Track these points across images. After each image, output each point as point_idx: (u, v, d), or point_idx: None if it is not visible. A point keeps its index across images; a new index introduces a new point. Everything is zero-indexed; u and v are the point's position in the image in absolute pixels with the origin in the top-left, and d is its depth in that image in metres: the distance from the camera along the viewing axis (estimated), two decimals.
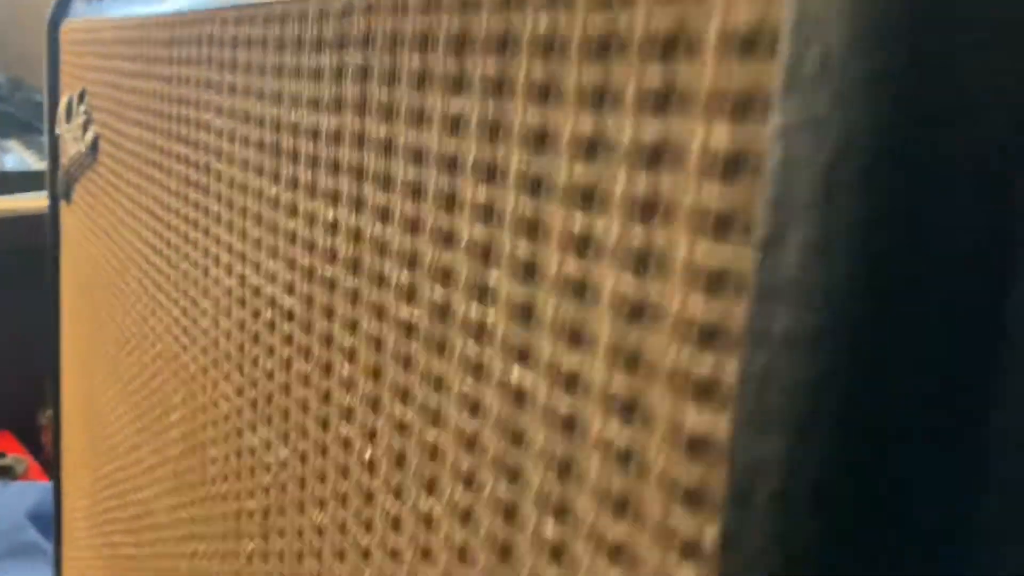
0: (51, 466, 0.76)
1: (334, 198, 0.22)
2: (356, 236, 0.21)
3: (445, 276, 0.17)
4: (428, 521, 0.18)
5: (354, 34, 0.20)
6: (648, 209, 0.12)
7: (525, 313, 0.15)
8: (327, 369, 0.22)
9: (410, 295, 0.18)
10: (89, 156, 0.54)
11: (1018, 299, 0.09)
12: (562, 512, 0.14)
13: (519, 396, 0.15)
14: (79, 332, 0.58)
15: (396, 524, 0.19)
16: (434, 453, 0.18)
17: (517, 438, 0.15)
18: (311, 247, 0.23)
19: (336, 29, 0.21)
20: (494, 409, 0.16)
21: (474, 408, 0.16)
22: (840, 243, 0.09)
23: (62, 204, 0.64)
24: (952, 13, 0.09)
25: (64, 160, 0.62)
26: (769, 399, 0.10)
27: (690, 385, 0.11)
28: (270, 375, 0.26)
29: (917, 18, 0.09)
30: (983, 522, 0.09)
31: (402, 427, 0.19)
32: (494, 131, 0.16)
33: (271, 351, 0.26)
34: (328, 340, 0.22)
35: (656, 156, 0.12)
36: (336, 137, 0.21)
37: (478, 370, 0.16)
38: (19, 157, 1.37)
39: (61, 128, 0.63)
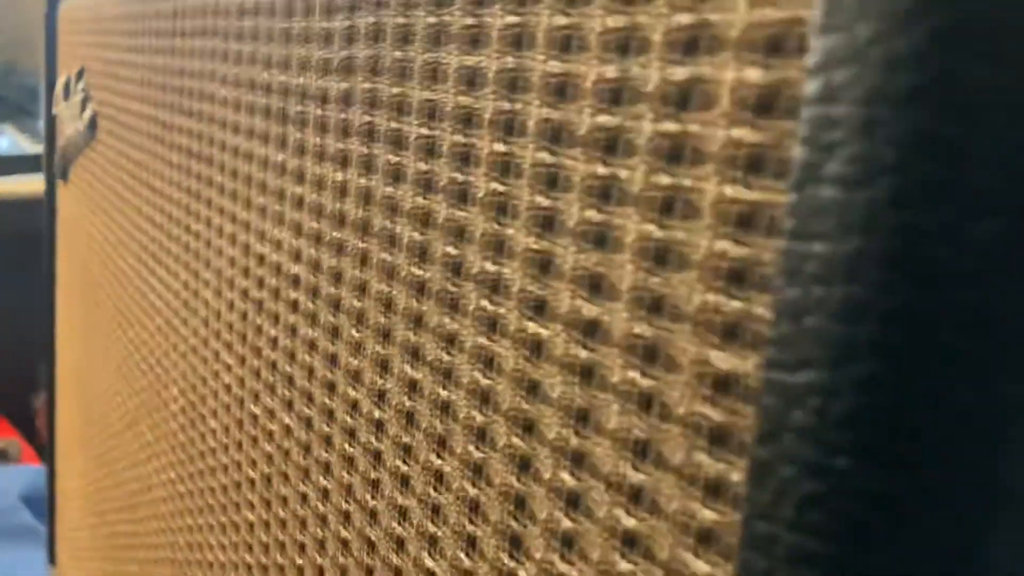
0: (44, 448, 0.76)
1: (343, 161, 0.22)
2: (366, 198, 0.20)
3: (459, 233, 0.17)
4: (439, 478, 0.18)
5: None
6: (675, 152, 0.12)
7: (543, 265, 0.15)
8: (335, 333, 0.22)
9: (422, 254, 0.18)
10: (87, 134, 0.54)
11: None
12: (579, 461, 0.14)
13: (535, 348, 0.15)
14: (75, 312, 0.58)
15: (405, 482, 0.19)
16: (446, 410, 0.17)
17: (532, 390, 0.15)
18: (319, 211, 0.23)
19: None
20: (509, 362, 0.16)
21: (488, 362, 0.16)
22: (878, 176, 0.09)
23: (59, 184, 0.63)
24: None
25: (61, 140, 0.61)
26: (803, 333, 0.10)
27: (718, 326, 0.11)
28: (274, 343, 0.26)
29: None
30: (1020, 443, 0.09)
31: (413, 386, 0.19)
32: (512, 84, 0.16)
33: (276, 319, 0.26)
34: (336, 304, 0.22)
35: (684, 99, 0.12)
36: (346, 99, 0.21)
37: (492, 325, 0.16)
38: (13, 140, 1.37)
39: (58, 107, 0.62)
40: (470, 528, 0.17)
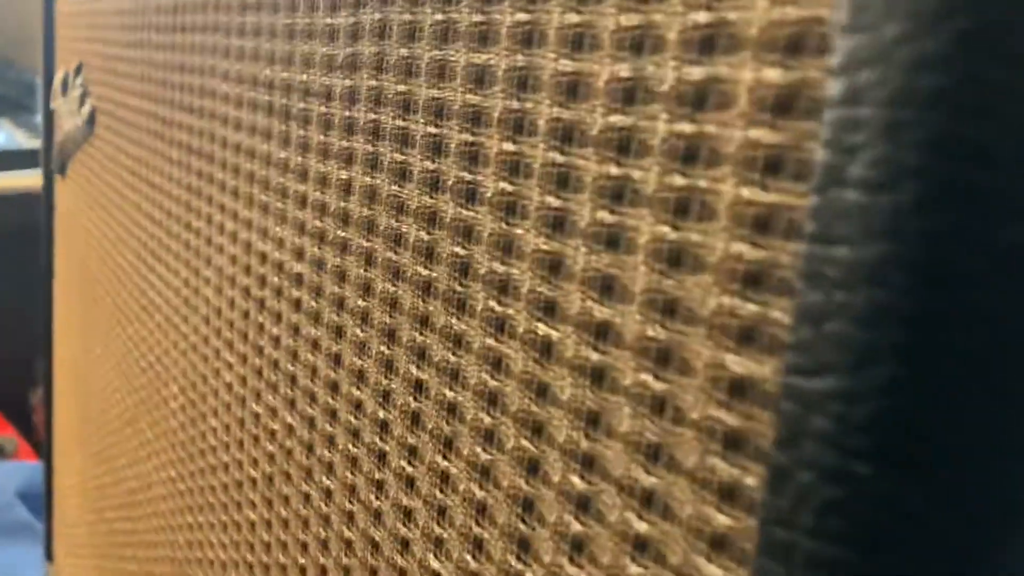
0: (41, 445, 0.75)
1: (348, 159, 0.21)
2: (371, 196, 0.20)
3: (467, 232, 0.17)
4: (445, 479, 0.18)
5: None
6: (690, 153, 0.12)
7: (553, 266, 0.15)
8: (338, 332, 0.22)
9: (429, 253, 0.18)
10: (86, 129, 0.54)
11: None
12: (590, 464, 0.14)
13: (545, 349, 0.15)
14: (73, 308, 0.58)
15: (410, 483, 0.19)
16: (452, 411, 0.17)
17: (542, 392, 0.15)
18: (322, 209, 0.23)
19: None
20: (518, 364, 0.15)
21: (496, 364, 0.16)
22: (903, 180, 0.09)
23: (56, 179, 0.63)
24: None
25: (59, 135, 0.61)
26: (824, 338, 0.10)
27: (734, 329, 0.11)
28: (276, 341, 0.26)
29: None
30: None
31: (419, 387, 0.18)
32: (522, 82, 0.15)
33: (278, 317, 0.26)
34: (340, 303, 0.22)
35: (700, 99, 0.12)
36: (351, 96, 0.21)
37: (501, 326, 0.16)
38: (10, 135, 1.37)
39: (56, 103, 0.62)
40: (477, 530, 0.17)
